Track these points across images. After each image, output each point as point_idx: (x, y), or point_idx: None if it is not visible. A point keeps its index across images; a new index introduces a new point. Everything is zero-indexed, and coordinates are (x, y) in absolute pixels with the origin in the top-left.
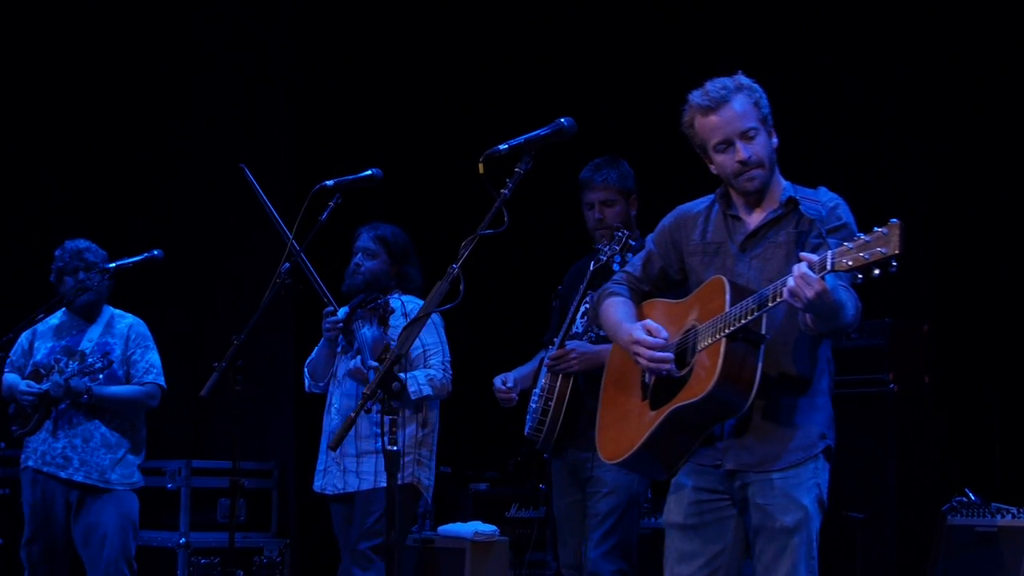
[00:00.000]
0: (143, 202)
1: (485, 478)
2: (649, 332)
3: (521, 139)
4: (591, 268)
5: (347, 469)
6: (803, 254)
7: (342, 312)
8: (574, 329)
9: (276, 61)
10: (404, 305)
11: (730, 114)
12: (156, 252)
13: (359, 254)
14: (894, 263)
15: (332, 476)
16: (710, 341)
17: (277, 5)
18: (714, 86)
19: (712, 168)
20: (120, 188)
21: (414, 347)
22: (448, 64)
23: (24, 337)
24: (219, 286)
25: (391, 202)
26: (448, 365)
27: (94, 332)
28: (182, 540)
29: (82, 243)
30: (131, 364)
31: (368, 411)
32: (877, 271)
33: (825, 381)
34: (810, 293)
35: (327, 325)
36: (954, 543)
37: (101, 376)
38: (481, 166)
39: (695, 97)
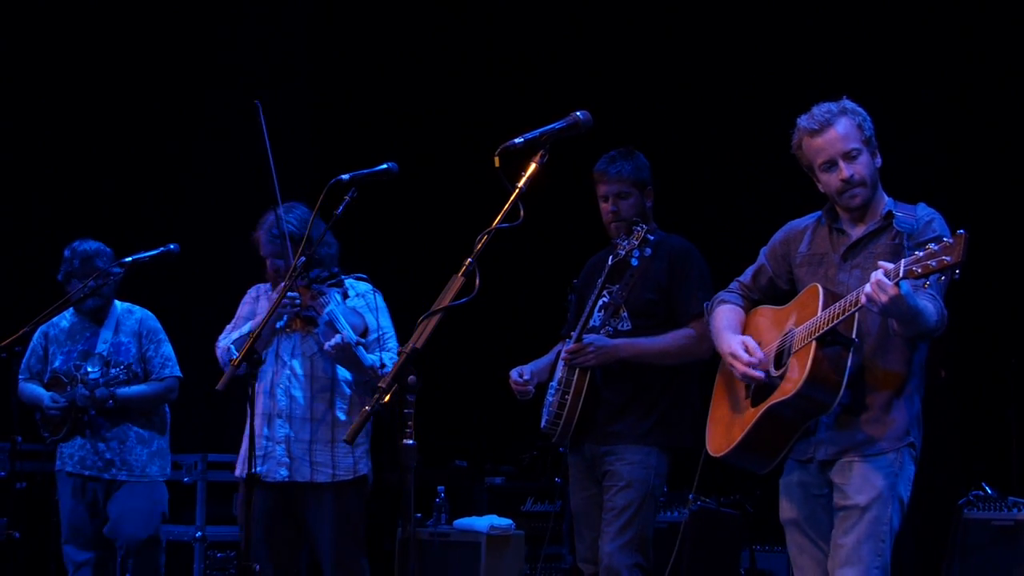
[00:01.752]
0: (160, 196)
1: (501, 472)
2: (746, 348)
3: (537, 132)
4: (609, 262)
5: (296, 456)
6: (880, 263)
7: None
8: (591, 323)
9: (293, 56)
10: (354, 287)
11: (834, 136)
12: (172, 246)
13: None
14: (957, 271)
15: (273, 462)
16: (803, 344)
17: (294, 1)
18: (820, 110)
19: (819, 187)
20: (137, 182)
21: (371, 330)
22: (464, 58)
23: (37, 342)
24: (235, 280)
25: (407, 196)
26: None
27: (107, 332)
28: (198, 534)
29: (91, 246)
30: (147, 360)
31: (383, 405)
32: (943, 277)
33: (915, 383)
34: (884, 298)
35: (293, 302)
36: (971, 537)
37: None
38: (497, 159)
39: (803, 121)
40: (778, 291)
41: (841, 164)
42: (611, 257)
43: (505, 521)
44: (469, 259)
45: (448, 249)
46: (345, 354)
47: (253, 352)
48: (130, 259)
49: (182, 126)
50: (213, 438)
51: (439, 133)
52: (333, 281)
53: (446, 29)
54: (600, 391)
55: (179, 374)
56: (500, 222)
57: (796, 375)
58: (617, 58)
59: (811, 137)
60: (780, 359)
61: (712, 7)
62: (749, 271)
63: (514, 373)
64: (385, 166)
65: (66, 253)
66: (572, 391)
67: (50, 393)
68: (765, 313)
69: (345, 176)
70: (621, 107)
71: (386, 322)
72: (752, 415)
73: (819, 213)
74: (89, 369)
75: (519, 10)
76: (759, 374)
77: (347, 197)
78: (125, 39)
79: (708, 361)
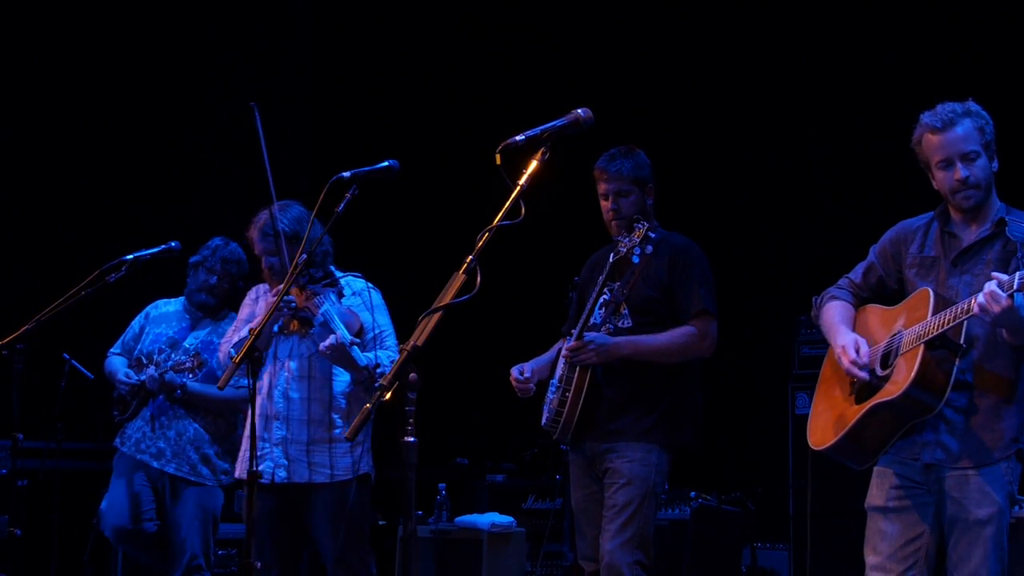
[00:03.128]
0: (159, 194)
1: (502, 469)
2: (857, 347)
3: (538, 130)
4: (610, 260)
5: (293, 458)
6: (994, 273)
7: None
8: (592, 320)
9: (294, 53)
10: (350, 285)
11: (954, 136)
12: (173, 244)
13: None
14: None
15: (271, 463)
16: (911, 347)
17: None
18: (944, 109)
19: (933, 183)
20: (137, 181)
21: (367, 328)
22: (465, 55)
23: (137, 321)
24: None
25: (408, 194)
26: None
27: (203, 330)
28: None
29: (235, 254)
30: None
31: (385, 402)
32: None
33: (1022, 389)
34: (997, 309)
35: (288, 304)
36: None
37: (192, 375)
38: (498, 157)
39: (926, 117)
40: (887, 290)
41: (958, 164)
42: (612, 255)
43: (506, 519)
44: (470, 257)
45: (449, 247)
46: (340, 354)
47: (254, 350)
48: (131, 256)
49: (182, 125)
50: None
51: (440, 131)
52: (328, 281)
53: (447, 26)
54: (601, 389)
55: None
56: (501, 220)
57: (903, 376)
58: (619, 55)
59: (932, 134)
60: (887, 359)
61: (716, 4)
62: (859, 269)
63: (515, 371)
64: (386, 164)
65: (211, 243)
66: (573, 389)
67: (127, 370)
68: (874, 312)
69: (346, 174)
70: (623, 105)
71: (383, 319)
72: (856, 411)
73: (931, 214)
74: (171, 356)
75: (521, 7)
76: (864, 375)
77: (348, 195)
78: (125, 38)
79: (711, 359)
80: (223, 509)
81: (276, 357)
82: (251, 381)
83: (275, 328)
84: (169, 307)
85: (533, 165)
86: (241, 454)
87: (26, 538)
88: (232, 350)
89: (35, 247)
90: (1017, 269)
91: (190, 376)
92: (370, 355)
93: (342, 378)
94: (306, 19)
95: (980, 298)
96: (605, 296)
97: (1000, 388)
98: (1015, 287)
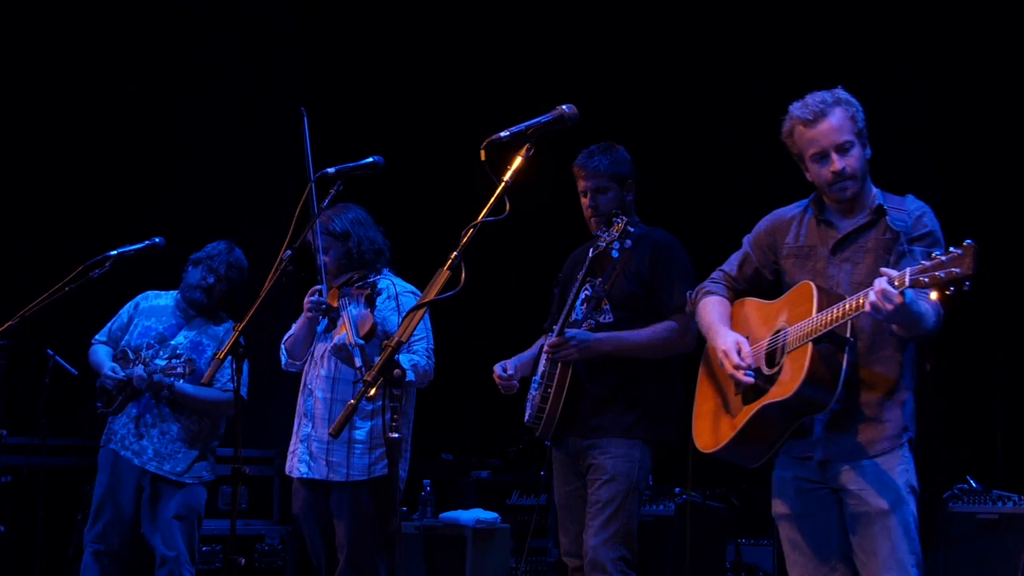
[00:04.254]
0: (144, 190)
1: (487, 465)
2: (739, 350)
3: (523, 126)
4: (590, 255)
5: (315, 455)
6: (884, 269)
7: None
8: (574, 316)
9: (280, 49)
10: (394, 286)
11: (827, 127)
12: (157, 240)
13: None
14: (967, 283)
15: (296, 459)
16: (798, 344)
17: None
18: (814, 99)
19: (808, 176)
20: (122, 176)
21: (392, 332)
22: (450, 51)
23: (126, 310)
24: None
25: (393, 190)
26: (432, 353)
27: (192, 330)
28: None
29: (238, 259)
30: (220, 369)
31: (370, 399)
32: (951, 289)
33: (909, 378)
34: (890, 307)
35: (310, 304)
36: (955, 530)
37: (183, 380)
38: (483, 153)
39: (796, 109)
40: (763, 281)
41: (833, 156)
42: (591, 249)
43: (491, 515)
44: (455, 252)
45: (434, 243)
46: (343, 354)
47: (238, 346)
48: (115, 252)
49: (170, 121)
50: None
51: (425, 126)
52: (361, 284)
53: (434, 22)
54: (583, 385)
55: (244, 395)
56: (486, 216)
57: (792, 376)
58: (605, 52)
59: (804, 127)
60: (772, 357)
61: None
62: (733, 260)
63: (498, 368)
64: (371, 159)
65: (211, 249)
66: (555, 385)
67: (112, 364)
68: (753, 306)
69: (331, 169)
70: (609, 101)
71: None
72: (745, 413)
73: (806, 202)
74: (159, 351)
75: (507, 4)
76: (749, 379)
77: (333, 190)
78: (114, 30)
79: (692, 354)
80: (209, 504)
81: (312, 357)
82: (236, 378)
83: (319, 328)
84: (160, 300)
85: (518, 161)
86: (290, 450)
87: (11, 535)
88: (283, 345)
89: (18, 243)
90: (901, 259)
91: (181, 381)
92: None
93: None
94: (294, 14)
95: (872, 296)
96: (587, 292)
97: (888, 379)
98: (907, 283)
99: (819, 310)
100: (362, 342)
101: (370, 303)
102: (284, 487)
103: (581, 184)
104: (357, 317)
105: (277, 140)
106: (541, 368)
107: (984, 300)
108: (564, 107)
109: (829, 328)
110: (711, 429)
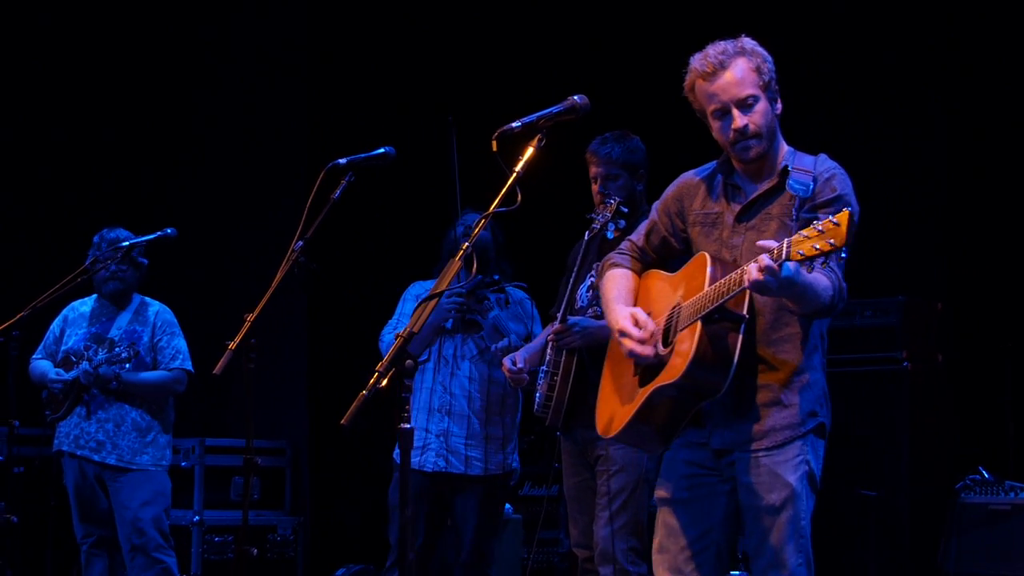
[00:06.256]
0: (155, 180)
1: None
2: (636, 323)
3: (534, 116)
4: (586, 238)
5: (453, 450)
6: (760, 242)
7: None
8: (579, 303)
9: (289, 40)
10: (512, 293)
11: (728, 80)
12: (169, 230)
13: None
14: (843, 254)
15: (432, 453)
16: (689, 321)
17: None
18: (715, 50)
19: (713, 133)
20: (132, 167)
21: (513, 335)
22: (461, 41)
23: (56, 324)
24: (231, 263)
25: (404, 181)
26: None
27: (123, 320)
28: (196, 518)
29: (121, 233)
30: (158, 351)
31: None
32: (826, 259)
33: (817, 358)
34: (773, 283)
35: (453, 304)
36: (967, 521)
37: (128, 364)
38: (494, 144)
39: (695, 61)
40: (672, 251)
41: (735, 112)
42: (587, 232)
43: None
44: (466, 243)
45: (444, 233)
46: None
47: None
48: (127, 243)
49: (181, 111)
50: (211, 423)
51: (437, 117)
52: (496, 288)
53: (444, 12)
54: (588, 373)
55: (190, 368)
56: (497, 206)
57: (681, 357)
58: (616, 42)
59: (703, 80)
60: (667, 336)
61: None
62: (641, 229)
63: (507, 361)
64: (382, 150)
65: (95, 239)
66: (560, 373)
67: (56, 369)
68: (658, 279)
69: (342, 160)
70: (622, 91)
71: (538, 329)
72: (641, 395)
73: (714, 164)
74: (98, 350)
75: None
76: (648, 351)
77: (344, 181)
78: (122, 23)
79: None
80: (218, 497)
81: (440, 355)
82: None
83: (447, 326)
84: (84, 307)
85: (529, 152)
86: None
87: (22, 525)
88: (391, 338)
89: (31, 234)
90: (805, 227)
91: (127, 366)
92: None
93: (499, 378)
94: (304, 4)
95: (753, 273)
96: (591, 277)
97: (790, 360)
98: (784, 256)
99: (711, 284)
100: (523, 345)
101: (505, 306)
102: (296, 478)
103: (592, 170)
104: (513, 320)
105: (286, 130)
106: (548, 356)
107: (993, 290)
108: (576, 97)
109: (718, 304)
110: (609, 412)
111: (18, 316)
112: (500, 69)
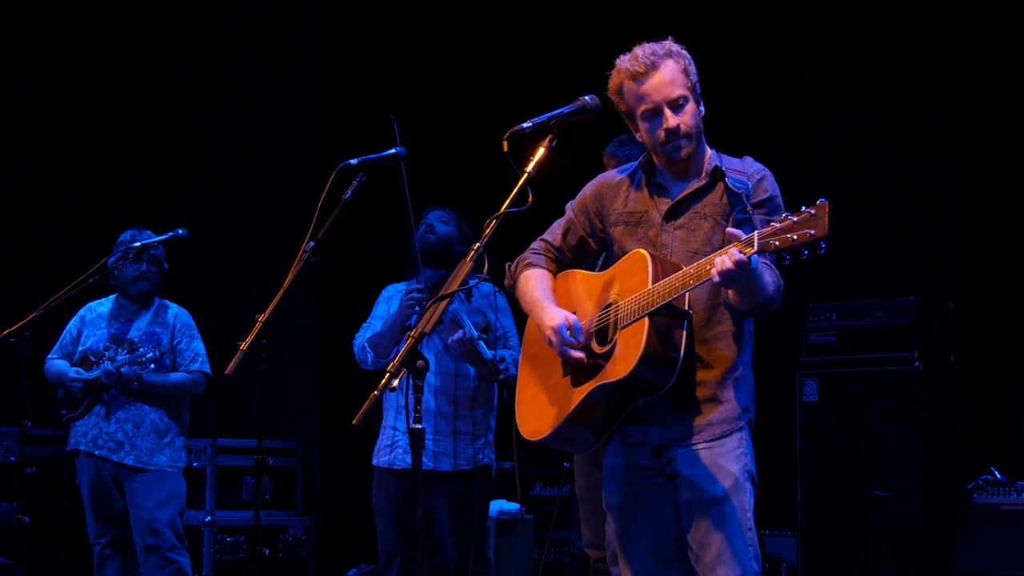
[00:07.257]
0: (167, 181)
1: (510, 456)
2: (569, 327)
3: (545, 117)
4: None
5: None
6: (731, 231)
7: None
8: None
9: (300, 40)
10: (479, 288)
11: (660, 81)
12: (181, 231)
13: (430, 224)
14: (823, 244)
15: (400, 451)
16: (633, 319)
17: None
18: (643, 51)
19: (638, 136)
20: (144, 168)
21: (493, 328)
22: (472, 42)
23: (73, 324)
24: (243, 264)
25: (415, 181)
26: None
27: (143, 321)
28: (208, 518)
29: (147, 234)
30: (177, 352)
31: (392, 389)
32: (806, 252)
33: (748, 355)
34: (744, 276)
35: (410, 300)
36: (979, 521)
37: (152, 365)
38: (505, 144)
39: (623, 62)
40: (589, 251)
41: (667, 113)
42: None
43: (514, 506)
44: (478, 244)
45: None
46: (466, 348)
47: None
48: (138, 243)
49: (193, 114)
50: (223, 423)
51: (448, 117)
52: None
53: (454, 12)
54: None
55: (208, 370)
56: (508, 207)
57: (627, 354)
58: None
59: (633, 81)
60: (603, 334)
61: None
62: (556, 228)
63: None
64: (393, 151)
65: (123, 237)
66: None
67: (76, 368)
68: (579, 279)
69: (353, 161)
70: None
71: (508, 322)
72: (576, 396)
73: (634, 165)
74: (118, 350)
75: None
76: (580, 355)
77: (355, 182)
78: (135, 23)
79: None
80: (230, 497)
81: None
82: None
83: (412, 323)
84: (102, 307)
85: (540, 152)
86: (377, 444)
87: (34, 525)
88: (366, 344)
89: (42, 234)
90: (742, 225)
91: (151, 367)
92: (496, 352)
93: (466, 372)
94: (312, 4)
95: (727, 263)
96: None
97: (725, 356)
98: (755, 247)
99: (655, 281)
100: (485, 336)
101: (467, 300)
102: (307, 478)
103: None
104: (472, 312)
105: (298, 131)
106: None
107: (1005, 289)
108: (587, 98)
109: (668, 300)
110: (536, 415)
111: (30, 316)
112: (508, 70)
